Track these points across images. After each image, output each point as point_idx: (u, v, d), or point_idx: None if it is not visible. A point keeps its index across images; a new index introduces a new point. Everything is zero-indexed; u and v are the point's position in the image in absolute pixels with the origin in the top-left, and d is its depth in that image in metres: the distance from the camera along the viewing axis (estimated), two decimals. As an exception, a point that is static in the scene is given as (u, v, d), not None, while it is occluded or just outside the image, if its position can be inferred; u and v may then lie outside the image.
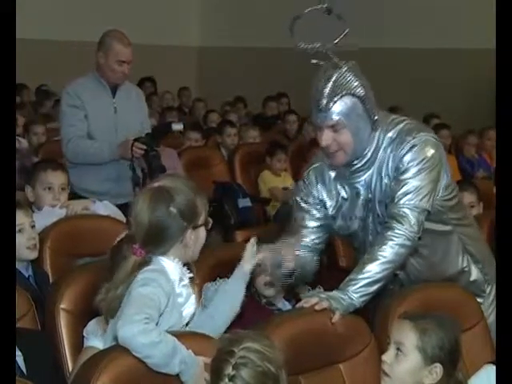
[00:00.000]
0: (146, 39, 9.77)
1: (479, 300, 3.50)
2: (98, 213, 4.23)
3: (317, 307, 3.00)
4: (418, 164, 3.24)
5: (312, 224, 3.48)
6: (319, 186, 3.46)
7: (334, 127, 3.20)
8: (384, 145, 3.30)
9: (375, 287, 3.14)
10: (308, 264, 3.39)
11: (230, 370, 2.23)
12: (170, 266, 2.83)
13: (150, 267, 2.76)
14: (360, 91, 3.21)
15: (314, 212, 3.48)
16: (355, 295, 3.11)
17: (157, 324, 2.63)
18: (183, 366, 2.57)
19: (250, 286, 3.51)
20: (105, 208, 4.31)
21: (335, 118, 3.19)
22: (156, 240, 2.78)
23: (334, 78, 3.20)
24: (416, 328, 2.68)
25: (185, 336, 2.69)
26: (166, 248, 2.82)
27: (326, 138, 3.22)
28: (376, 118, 3.27)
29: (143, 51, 8.28)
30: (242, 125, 8.55)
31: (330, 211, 3.45)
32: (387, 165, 3.29)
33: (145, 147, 4.65)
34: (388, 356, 2.71)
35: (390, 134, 3.30)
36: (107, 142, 4.72)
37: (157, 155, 4.69)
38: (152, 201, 2.80)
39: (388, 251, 3.16)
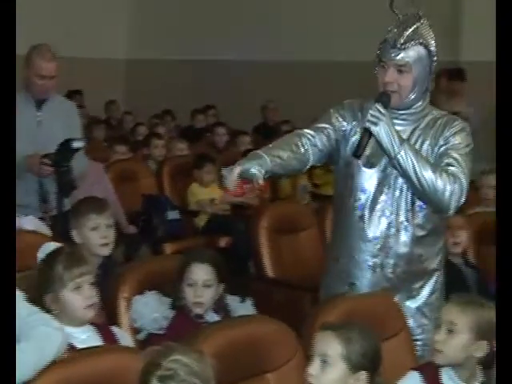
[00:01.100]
0: (74, 52, 9.70)
1: None
2: (23, 228, 4.18)
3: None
4: (466, 147, 3.49)
5: (320, 141, 3.54)
6: (353, 121, 3.58)
7: (401, 68, 3.42)
8: (433, 115, 3.56)
9: None
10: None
11: (155, 383, 2.23)
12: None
13: None
14: (432, 46, 3.47)
15: (332, 134, 3.56)
16: None
17: None
18: None
19: (180, 299, 3.54)
20: (30, 223, 4.27)
21: (406, 59, 3.41)
22: None
23: (416, 25, 3.44)
24: (340, 338, 2.69)
25: (111, 350, 2.69)
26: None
27: (391, 75, 3.42)
28: (433, 77, 3.54)
29: (71, 64, 8.24)
30: (169, 137, 8.56)
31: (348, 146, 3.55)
32: (435, 133, 3.50)
33: (50, 163, 4.57)
34: (313, 368, 2.71)
35: (436, 112, 3.59)
36: (21, 156, 4.64)
37: (67, 171, 4.58)
38: None
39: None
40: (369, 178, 3.51)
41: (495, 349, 2.88)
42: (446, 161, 3.42)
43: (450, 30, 9.33)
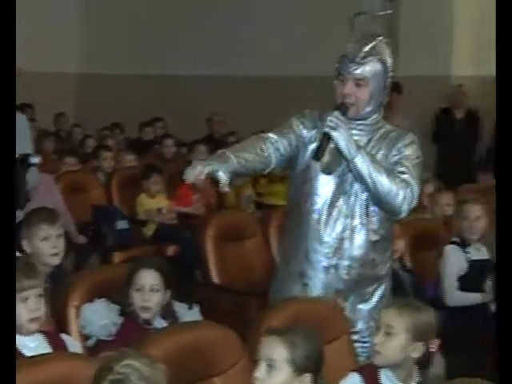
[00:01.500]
0: (25, 65, 9.59)
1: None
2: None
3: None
4: (416, 158, 3.62)
5: (281, 146, 3.57)
6: (313, 129, 3.61)
7: (359, 81, 3.51)
8: (386, 128, 3.65)
9: None
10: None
11: None
12: None
13: None
14: (389, 62, 3.63)
15: (293, 139, 3.59)
16: None
17: None
18: None
19: (128, 305, 3.52)
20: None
21: (364, 73, 3.52)
22: None
23: (374, 42, 3.57)
24: (285, 342, 2.69)
25: (61, 356, 2.66)
26: None
27: (349, 88, 3.51)
28: (387, 94, 3.65)
29: (22, 77, 8.15)
30: (118, 150, 8.53)
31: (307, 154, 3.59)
32: (389, 144, 3.59)
33: None
34: (260, 372, 2.70)
35: (389, 126, 3.69)
36: None
37: (22, 184, 4.53)
38: None
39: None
40: (326, 184, 3.56)
41: (432, 349, 2.93)
42: (399, 169, 3.53)
43: (388, 46, 9.45)
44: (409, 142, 3.62)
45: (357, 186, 3.53)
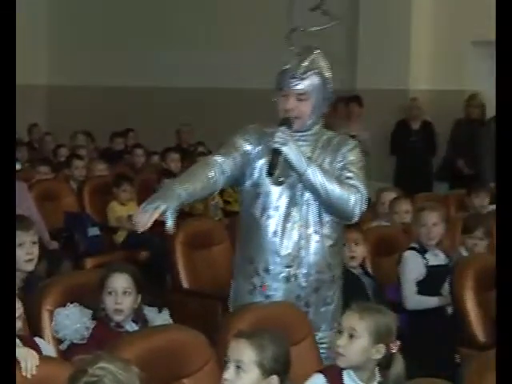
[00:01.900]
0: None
1: None
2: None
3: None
4: (360, 162, 3.63)
5: (228, 167, 3.52)
6: (258, 145, 3.58)
7: (300, 96, 3.49)
8: (328, 135, 3.66)
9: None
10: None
11: None
12: None
13: None
14: (327, 74, 3.57)
15: (238, 158, 3.55)
16: None
17: None
18: None
19: (100, 310, 3.50)
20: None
21: (305, 88, 3.50)
22: None
23: (312, 57, 3.53)
24: (253, 345, 2.69)
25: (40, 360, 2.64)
26: None
27: (292, 103, 3.50)
28: (328, 104, 3.62)
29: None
30: (90, 159, 8.48)
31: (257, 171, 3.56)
32: (333, 150, 3.59)
33: None
34: (228, 374, 2.69)
35: (329, 132, 3.70)
36: None
37: None
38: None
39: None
40: (279, 197, 3.55)
41: (393, 351, 2.93)
42: (347, 174, 3.54)
43: (348, 61, 9.51)
44: (352, 147, 3.64)
45: (308, 195, 3.53)
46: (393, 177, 9.08)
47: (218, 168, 3.48)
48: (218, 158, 3.51)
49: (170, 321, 3.63)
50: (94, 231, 6.32)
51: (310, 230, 3.55)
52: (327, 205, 3.50)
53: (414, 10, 9.35)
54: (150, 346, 2.97)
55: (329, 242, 3.59)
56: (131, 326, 3.56)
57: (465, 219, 5.41)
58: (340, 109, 9.27)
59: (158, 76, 10.89)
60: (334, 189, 3.45)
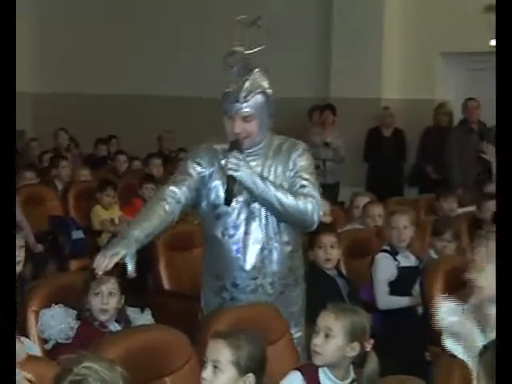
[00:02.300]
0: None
1: None
2: None
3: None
4: (311, 165, 3.60)
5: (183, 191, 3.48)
6: (211, 166, 3.53)
7: (246, 118, 3.43)
8: (277, 142, 3.59)
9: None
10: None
11: None
12: None
13: None
14: (269, 92, 3.49)
15: (192, 184, 3.50)
16: None
17: None
18: None
19: (84, 310, 3.48)
20: None
21: (249, 110, 3.43)
22: None
23: (252, 77, 3.45)
24: (229, 345, 2.67)
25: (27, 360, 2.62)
26: None
27: (239, 126, 3.43)
28: (271, 117, 3.54)
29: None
30: (74, 165, 8.49)
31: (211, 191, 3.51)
32: (283, 158, 3.54)
33: None
34: (206, 373, 2.68)
35: (277, 137, 3.62)
36: None
37: None
38: None
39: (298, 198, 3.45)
40: (238, 215, 3.52)
41: (366, 349, 2.94)
42: (300, 183, 3.51)
43: (322, 72, 9.54)
44: (302, 152, 3.59)
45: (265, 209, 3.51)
46: (366, 182, 9.10)
47: (172, 199, 3.43)
48: (172, 189, 3.46)
49: (152, 321, 3.62)
50: (78, 234, 6.30)
51: (271, 241, 3.54)
52: (286, 219, 3.49)
53: (386, 23, 9.40)
54: (132, 345, 2.95)
55: (288, 248, 3.59)
56: (114, 326, 3.54)
57: (434, 222, 5.43)
58: (315, 117, 9.29)
59: (139, 84, 10.88)
60: (291, 203, 3.43)
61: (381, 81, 9.49)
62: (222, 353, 2.67)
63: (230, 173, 3.36)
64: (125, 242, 3.27)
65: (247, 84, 3.43)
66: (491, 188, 6.55)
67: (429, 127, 8.99)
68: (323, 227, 4.54)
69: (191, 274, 5.16)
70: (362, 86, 9.30)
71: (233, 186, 3.37)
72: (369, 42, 9.31)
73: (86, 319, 3.47)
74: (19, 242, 3.93)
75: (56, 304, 3.48)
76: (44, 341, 3.41)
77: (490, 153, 6.93)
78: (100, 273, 3.15)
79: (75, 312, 3.47)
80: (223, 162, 3.41)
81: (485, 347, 2.36)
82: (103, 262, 3.16)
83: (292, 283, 3.64)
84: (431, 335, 4.33)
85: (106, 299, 3.46)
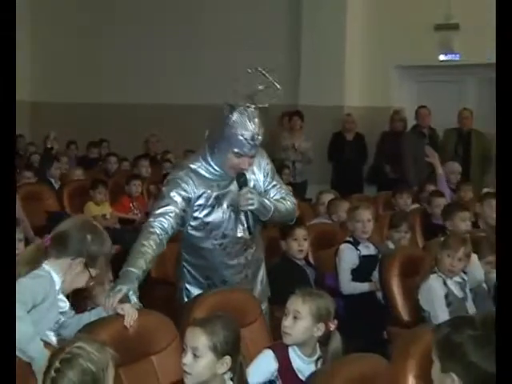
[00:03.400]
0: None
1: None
2: None
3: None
4: (273, 167, 3.64)
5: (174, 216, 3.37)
6: (196, 188, 3.43)
7: (252, 156, 3.38)
8: None
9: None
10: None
11: (57, 364, 2.14)
12: (54, 276, 2.82)
13: (43, 267, 2.81)
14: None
15: (178, 211, 3.37)
16: None
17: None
18: (37, 355, 2.51)
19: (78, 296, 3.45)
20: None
21: (257, 149, 3.39)
22: (58, 242, 2.86)
23: (258, 120, 3.33)
24: (206, 332, 2.64)
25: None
26: (58, 255, 2.84)
27: (247, 163, 3.36)
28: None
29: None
30: (70, 166, 8.45)
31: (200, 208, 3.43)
32: (258, 165, 3.51)
33: None
34: (187, 359, 2.64)
35: None
36: None
37: None
38: (81, 224, 2.95)
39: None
40: (226, 227, 3.48)
41: (331, 329, 2.94)
42: (278, 188, 3.56)
43: (292, 82, 9.54)
44: (265, 156, 3.59)
45: (250, 215, 3.45)
46: (330, 181, 9.12)
47: (160, 231, 3.32)
48: (160, 221, 3.33)
49: (140, 306, 3.59)
50: (72, 228, 6.26)
51: (249, 238, 3.55)
52: (278, 220, 3.63)
53: (348, 39, 9.43)
54: (122, 327, 2.92)
55: (259, 239, 3.65)
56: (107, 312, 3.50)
57: (391, 216, 5.46)
58: (284, 122, 9.29)
59: (129, 93, 10.82)
60: (285, 211, 3.53)
61: (343, 90, 9.52)
62: (199, 340, 2.63)
63: (248, 208, 3.36)
64: (126, 281, 3.13)
65: (261, 130, 3.33)
66: (439, 186, 6.59)
67: (386, 132, 9.02)
68: (296, 221, 4.56)
69: (175, 263, 5.14)
70: (326, 95, 9.32)
71: (250, 218, 3.41)
72: (333, 57, 9.34)
73: (79, 305, 3.43)
74: (19, 235, 3.90)
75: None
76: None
77: (431, 155, 6.96)
78: (111, 313, 2.98)
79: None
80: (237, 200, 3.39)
81: (438, 326, 2.37)
82: (109, 302, 3.00)
83: (261, 265, 3.70)
84: (388, 316, 4.37)
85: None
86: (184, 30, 10.42)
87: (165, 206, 3.36)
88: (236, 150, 3.30)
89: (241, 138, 3.28)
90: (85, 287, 3.01)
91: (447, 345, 2.22)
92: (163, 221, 3.33)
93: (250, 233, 3.45)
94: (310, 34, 9.49)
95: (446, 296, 4.01)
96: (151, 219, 3.37)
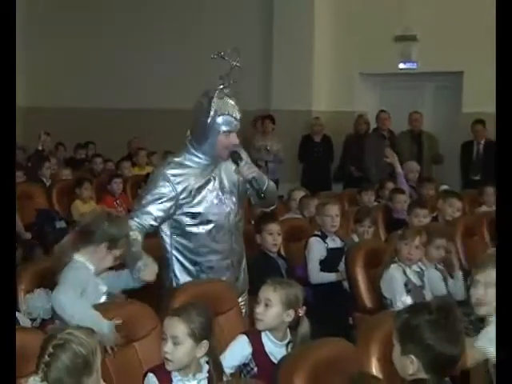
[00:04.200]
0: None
1: None
2: None
3: None
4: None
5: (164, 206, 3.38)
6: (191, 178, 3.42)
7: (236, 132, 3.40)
8: None
9: None
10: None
11: (50, 349, 2.13)
12: (87, 264, 3.03)
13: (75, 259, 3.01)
14: None
15: (167, 199, 3.38)
16: None
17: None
18: (109, 330, 2.74)
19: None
20: None
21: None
22: (82, 235, 3.04)
23: (233, 97, 3.39)
24: (183, 320, 2.62)
25: (19, 330, 2.56)
26: (85, 246, 3.02)
27: (236, 138, 3.41)
28: None
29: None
30: (58, 166, 8.38)
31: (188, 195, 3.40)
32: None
33: None
34: (167, 347, 2.62)
35: None
36: None
37: None
38: (98, 215, 3.12)
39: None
40: (211, 208, 3.46)
41: (300, 315, 2.94)
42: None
43: (264, 88, 9.55)
44: (243, 150, 3.62)
45: (235, 200, 3.49)
46: (300, 179, 9.13)
47: (150, 219, 3.36)
48: (149, 210, 3.36)
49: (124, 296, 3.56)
50: (60, 224, 6.23)
51: (233, 227, 3.54)
52: (267, 196, 3.47)
53: (316, 49, 9.46)
54: (106, 316, 2.88)
55: (240, 228, 3.62)
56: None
57: (356, 212, 5.46)
58: (257, 125, 9.28)
59: (112, 99, 10.76)
60: (272, 188, 3.54)
61: (312, 96, 9.54)
62: (177, 328, 2.62)
63: (252, 176, 3.37)
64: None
65: (237, 104, 3.38)
66: (399, 184, 6.63)
67: (350, 134, 9.05)
68: (270, 217, 4.55)
69: (157, 256, 5.11)
70: (296, 101, 9.34)
71: (256, 185, 3.39)
72: (302, 66, 9.36)
73: None
74: None
75: (38, 288, 3.38)
76: (32, 320, 3.29)
77: (391, 156, 7.01)
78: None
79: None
80: (236, 169, 3.41)
81: (398, 312, 2.39)
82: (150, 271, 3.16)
83: (243, 255, 3.67)
84: (353, 303, 4.39)
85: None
86: (171, 40, 10.38)
87: (157, 195, 3.36)
88: (225, 129, 3.36)
89: (227, 116, 3.34)
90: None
91: (406, 329, 2.24)
92: (152, 210, 3.36)
93: (260, 197, 3.42)
94: (281, 45, 9.51)
95: (406, 284, 4.04)
96: (138, 212, 3.37)
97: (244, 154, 3.51)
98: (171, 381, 2.63)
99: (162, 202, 3.37)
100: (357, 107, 9.43)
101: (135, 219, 3.35)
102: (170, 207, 3.38)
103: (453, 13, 8.47)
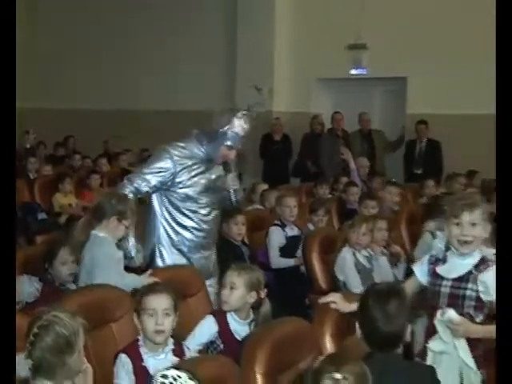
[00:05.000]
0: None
1: None
2: None
3: None
4: None
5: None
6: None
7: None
8: None
9: None
10: None
11: (35, 330, 2.10)
12: (105, 236, 3.24)
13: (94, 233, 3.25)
14: None
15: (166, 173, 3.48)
16: None
17: None
18: (133, 284, 3.11)
19: (47, 274, 3.39)
20: None
21: None
22: (96, 213, 3.30)
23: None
24: (169, 295, 2.68)
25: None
26: (99, 221, 3.27)
27: (234, 154, 3.59)
28: None
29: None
30: (41, 162, 8.26)
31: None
32: None
33: None
34: (167, 321, 2.64)
35: None
36: None
37: None
38: (106, 194, 3.46)
39: None
40: (203, 194, 3.56)
41: (262, 296, 2.95)
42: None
43: (229, 92, 9.53)
44: None
45: (217, 196, 3.59)
46: (262, 174, 9.15)
47: (147, 186, 3.48)
48: (146, 178, 3.47)
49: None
50: (42, 216, 6.17)
51: (214, 207, 3.63)
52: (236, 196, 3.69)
53: (276, 54, 9.47)
54: (86, 299, 2.89)
55: (217, 220, 3.70)
56: (71, 286, 3.46)
57: (311, 203, 5.50)
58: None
59: (90, 100, 10.63)
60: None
61: (272, 98, 9.54)
62: (166, 302, 2.64)
63: (234, 187, 3.61)
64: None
65: (248, 129, 3.58)
66: (352, 178, 6.70)
67: (307, 133, 9.09)
68: (237, 208, 4.57)
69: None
70: (256, 101, 9.30)
71: (233, 195, 3.63)
72: (263, 69, 9.35)
73: (48, 281, 3.39)
74: None
75: (25, 270, 3.37)
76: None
77: (345, 153, 7.10)
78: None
79: (37, 278, 3.40)
80: (224, 177, 3.62)
81: (361, 295, 2.44)
82: None
83: (215, 240, 3.74)
84: (309, 286, 4.43)
85: (70, 266, 3.35)
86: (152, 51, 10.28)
87: (157, 167, 3.47)
88: (229, 143, 3.51)
89: (235, 134, 3.52)
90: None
91: (360, 305, 2.33)
92: (148, 181, 3.46)
93: (233, 206, 3.68)
94: (243, 52, 9.50)
95: (356, 265, 4.09)
96: (136, 178, 3.49)
97: (233, 167, 3.65)
98: (142, 358, 2.62)
99: (160, 175, 3.47)
100: (313, 109, 9.47)
101: (134, 184, 3.47)
102: (167, 181, 3.48)
103: (399, 24, 8.57)
